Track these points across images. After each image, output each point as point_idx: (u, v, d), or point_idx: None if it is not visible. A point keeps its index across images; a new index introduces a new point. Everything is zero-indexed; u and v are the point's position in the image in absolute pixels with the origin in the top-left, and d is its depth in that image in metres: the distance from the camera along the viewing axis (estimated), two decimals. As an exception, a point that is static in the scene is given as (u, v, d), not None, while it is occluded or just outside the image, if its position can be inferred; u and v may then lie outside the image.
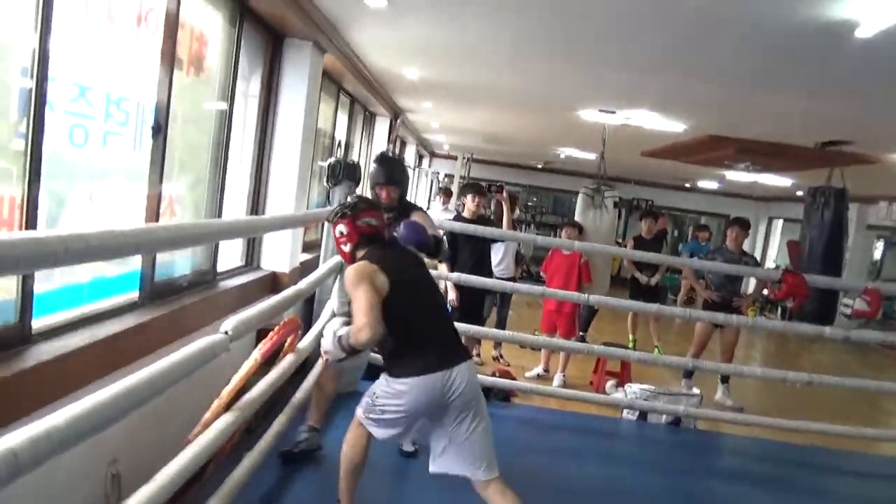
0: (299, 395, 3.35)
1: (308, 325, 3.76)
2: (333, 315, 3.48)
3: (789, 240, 6.12)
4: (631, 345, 6.67)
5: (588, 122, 6.37)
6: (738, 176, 9.13)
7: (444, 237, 3.90)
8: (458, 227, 4.74)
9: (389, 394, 2.37)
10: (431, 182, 14.07)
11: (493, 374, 5.03)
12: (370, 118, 8.01)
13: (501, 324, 6.09)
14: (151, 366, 1.58)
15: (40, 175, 2.00)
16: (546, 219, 15.11)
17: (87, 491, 2.20)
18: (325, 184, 4.37)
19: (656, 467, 3.97)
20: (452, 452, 2.38)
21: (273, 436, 2.90)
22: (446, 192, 9.08)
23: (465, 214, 5.04)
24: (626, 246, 7.27)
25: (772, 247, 14.29)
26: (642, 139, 7.17)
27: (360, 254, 2.49)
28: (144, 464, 1.90)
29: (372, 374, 2.96)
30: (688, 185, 14.04)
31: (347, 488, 2.53)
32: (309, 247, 5.11)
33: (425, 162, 14.76)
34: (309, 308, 4.30)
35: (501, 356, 6.11)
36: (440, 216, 6.14)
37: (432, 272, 2.87)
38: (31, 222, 1.98)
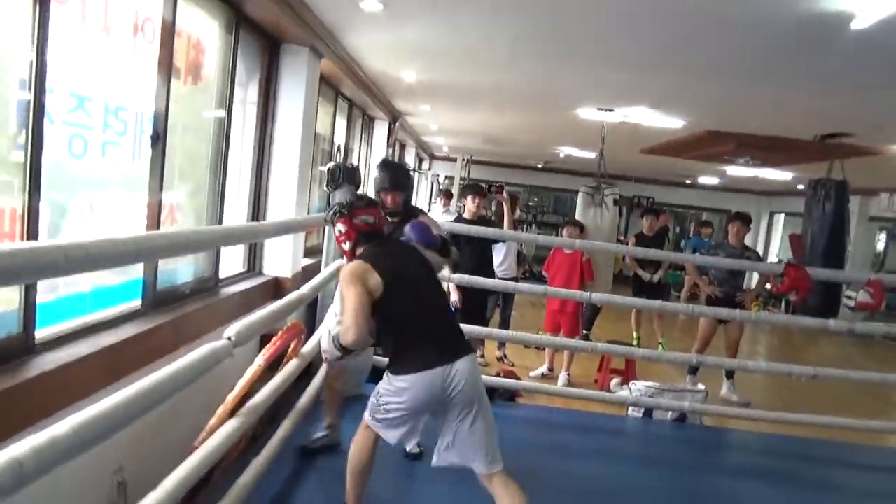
0: (304, 399, 3.36)
1: (311, 330, 3.77)
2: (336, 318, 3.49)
3: (791, 233, 6.09)
4: (635, 342, 6.67)
5: (587, 120, 6.37)
6: (739, 171, 9.13)
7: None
8: (460, 228, 4.74)
9: (391, 391, 2.39)
10: (432, 184, 14.05)
11: (498, 375, 5.03)
12: (369, 122, 8.02)
13: (505, 324, 6.09)
14: (155, 373, 1.59)
15: (40, 186, 2.01)
16: (547, 218, 15.12)
17: (93, 499, 2.21)
18: (325, 188, 4.38)
19: (662, 464, 3.96)
20: (457, 446, 2.39)
21: (279, 441, 2.90)
22: (447, 194, 9.06)
23: (466, 216, 5.03)
24: (627, 244, 7.26)
25: (774, 241, 14.27)
26: (641, 136, 7.16)
27: (360, 251, 2.52)
28: (150, 471, 1.90)
29: (376, 376, 2.96)
30: (688, 182, 14.03)
31: (354, 490, 2.53)
32: (311, 252, 5.12)
33: (425, 164, 14.77)
34: (312, 312, 4.31)
35: (505, 356, 6.12)
36: (441, 218, 6.13)
37: None
38: (32, 233, 2.00)
